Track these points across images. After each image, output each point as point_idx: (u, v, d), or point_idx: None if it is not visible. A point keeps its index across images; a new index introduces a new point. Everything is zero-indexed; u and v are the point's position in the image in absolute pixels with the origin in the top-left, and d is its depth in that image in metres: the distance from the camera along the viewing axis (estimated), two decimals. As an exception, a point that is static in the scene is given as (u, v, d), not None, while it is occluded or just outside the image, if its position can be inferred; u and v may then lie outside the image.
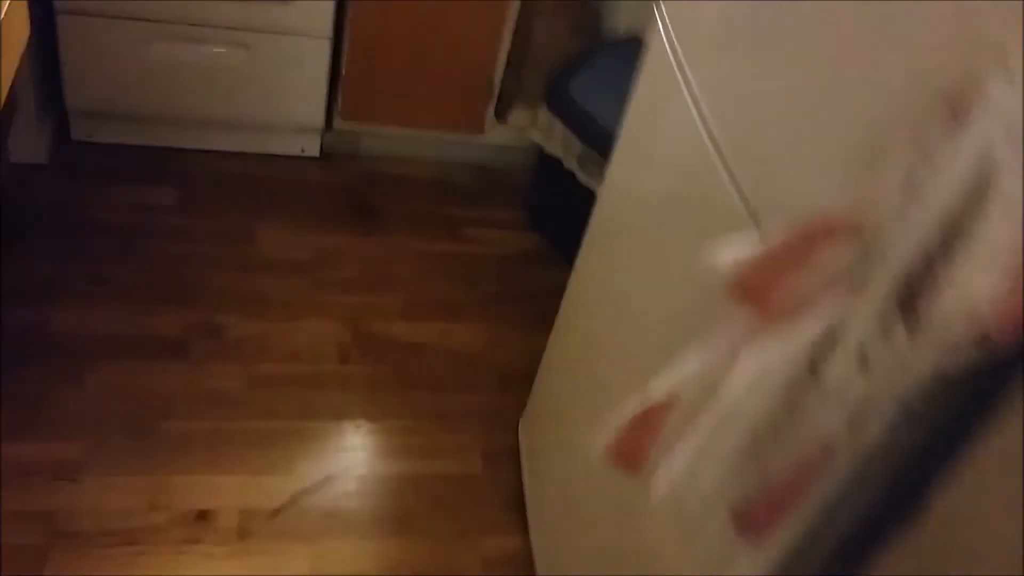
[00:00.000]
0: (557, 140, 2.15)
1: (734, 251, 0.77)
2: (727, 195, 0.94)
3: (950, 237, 0.61)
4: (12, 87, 1.04)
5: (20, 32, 1.01)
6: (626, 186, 1.40)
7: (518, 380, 1.92)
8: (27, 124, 2.04)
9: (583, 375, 1.51)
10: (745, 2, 1.01)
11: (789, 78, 0.91)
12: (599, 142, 2.05)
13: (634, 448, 0.83)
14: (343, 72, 2.21)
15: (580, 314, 1.57)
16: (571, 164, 2.13)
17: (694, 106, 1.06)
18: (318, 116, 2.28)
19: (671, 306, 1.12)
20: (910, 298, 0.64)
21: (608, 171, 1.47)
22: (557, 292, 1.63)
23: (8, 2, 0.97)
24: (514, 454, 1.81)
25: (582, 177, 2.11)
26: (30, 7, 1.17)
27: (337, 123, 2.31)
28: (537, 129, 2.22)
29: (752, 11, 1.00)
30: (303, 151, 2.37)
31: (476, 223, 2.34)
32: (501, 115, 2.39)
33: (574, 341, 1.59)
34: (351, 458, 1.75)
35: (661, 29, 1.26)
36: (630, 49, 2.31)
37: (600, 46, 2.25)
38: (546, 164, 2.23)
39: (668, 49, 1.22)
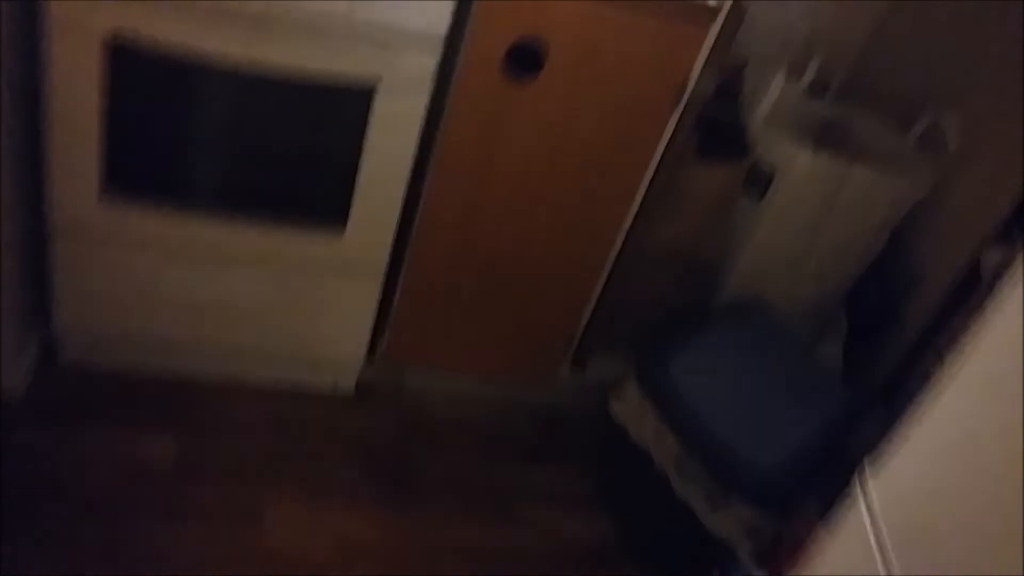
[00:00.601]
0: (649, 428, 1.72)
1: None
2: None
3: None
4: None
5: None
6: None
7: None
8: (4, 343, 1.67)
9: None
10: None
11: None
12: (706, 452, 1.61)
13: None
14: (393, 308, 1.82)
15: None
16: (665, 465, 1.69)
17: None
18: (357, 352, 1.88)
19: None
20: None
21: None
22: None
23: None
24: None
25: (678, 485, 1.67)
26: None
27: (379, 357, 1.91)
28: (622, 403, 1.79)
29: None
30: (335, 387, 1.96)
31: (535, 496, 1.90)
32: (579, 363, 1.97)
33: None
34: None
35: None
36: (745, 322, 1.83)
37: (709, 314, 1.83)
38: (626, 441, 1.79)
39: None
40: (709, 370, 1.67)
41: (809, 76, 1.86)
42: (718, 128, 1.70)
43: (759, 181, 1.76)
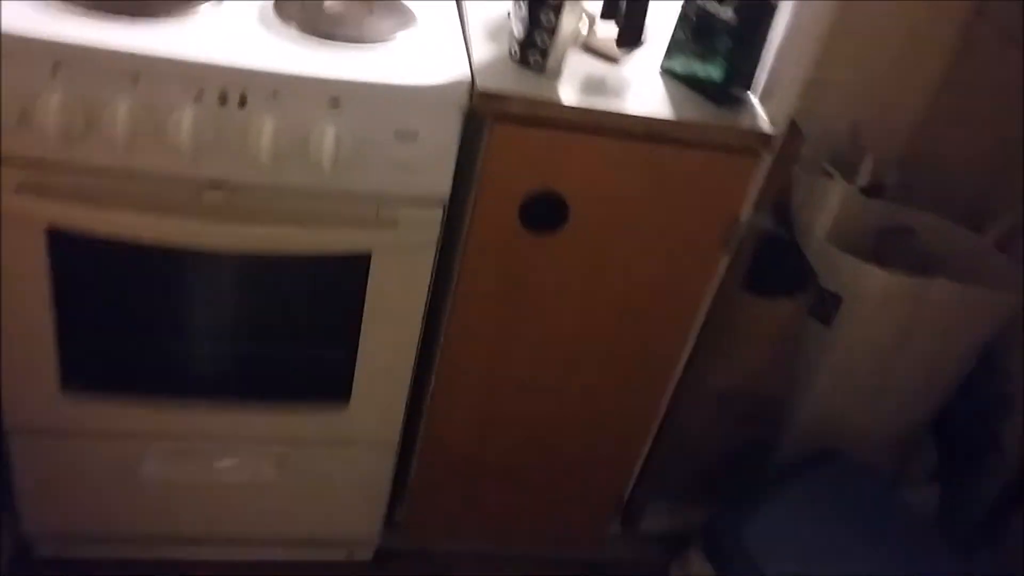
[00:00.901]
0: (722, 608, 1.46)
1: None
2: None
3: None
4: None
5: None
6: None
7: None
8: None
9: None
10: None
11: None
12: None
13: None
14: (410, 481, 1.58)
15: None
16: (743, 652, 1.43)
17: None
18: (372, 526, 1.64)
19: None
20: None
21: None
22: None
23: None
24: None
25: None
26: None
27: (398, 524, 1.67)
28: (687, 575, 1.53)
29: None
30: (351, 556, 1.71)
31: None
32: (630, 517, 1.72)
33: None
34: None
35: None
36: (823, 474, 1.54)
37: (781, 469, 1.58)
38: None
39: None
40: (789, 537, 1.42)
41: (864, 178, 1.63)
42: (773, 252, 1.46)
43: (826, 306, 1.52)
